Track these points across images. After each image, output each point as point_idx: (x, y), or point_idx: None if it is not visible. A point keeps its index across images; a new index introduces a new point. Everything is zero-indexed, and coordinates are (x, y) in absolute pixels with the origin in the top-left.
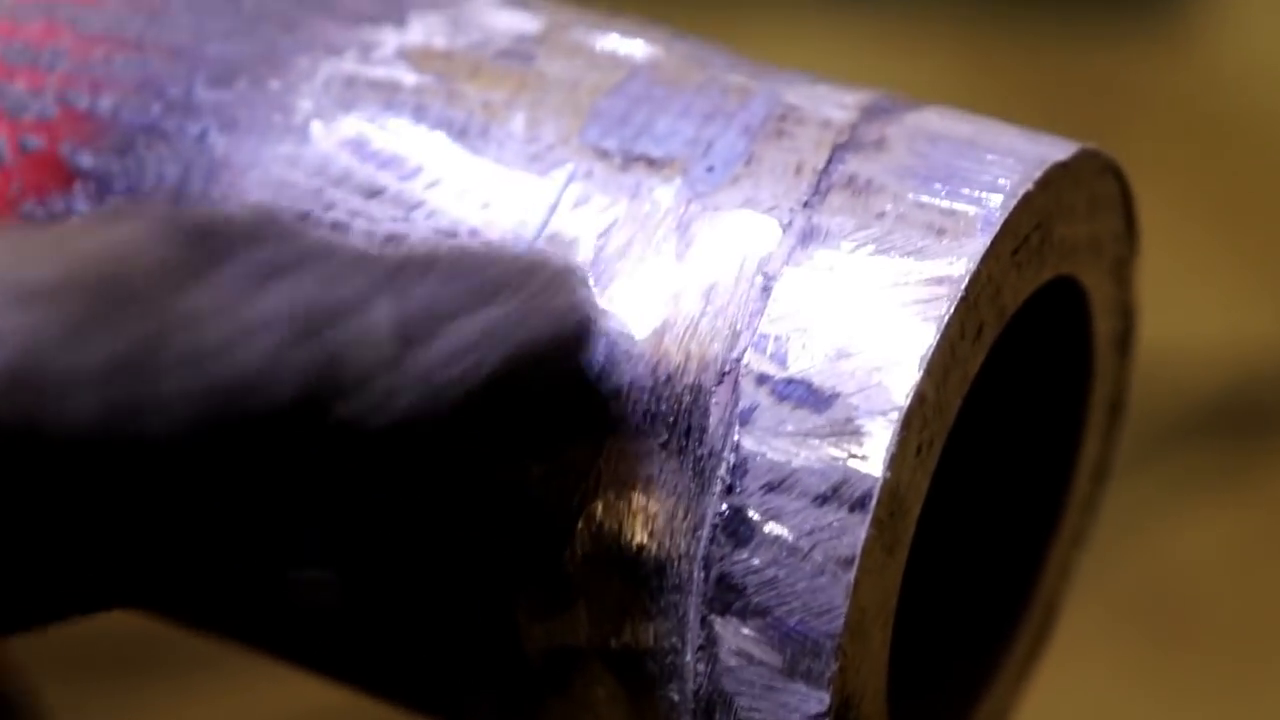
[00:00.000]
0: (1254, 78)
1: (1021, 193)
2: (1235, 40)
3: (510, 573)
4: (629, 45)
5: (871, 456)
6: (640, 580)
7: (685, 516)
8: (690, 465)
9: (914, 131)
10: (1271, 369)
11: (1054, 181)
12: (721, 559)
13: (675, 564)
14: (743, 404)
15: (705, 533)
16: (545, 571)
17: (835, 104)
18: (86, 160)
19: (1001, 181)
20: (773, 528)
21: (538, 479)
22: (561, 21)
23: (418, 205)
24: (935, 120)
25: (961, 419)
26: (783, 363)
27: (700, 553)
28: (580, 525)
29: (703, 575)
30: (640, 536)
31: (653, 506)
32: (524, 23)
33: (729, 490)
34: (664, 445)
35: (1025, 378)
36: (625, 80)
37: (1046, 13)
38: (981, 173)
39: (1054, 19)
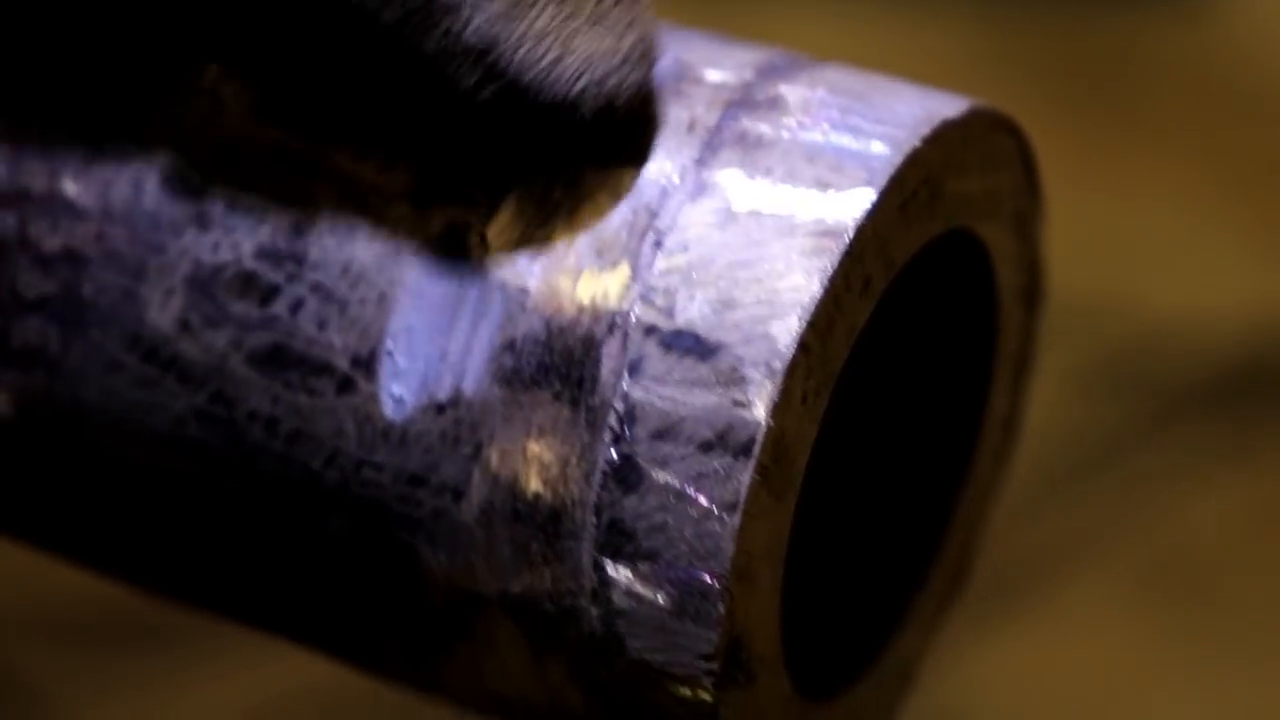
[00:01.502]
0: (1271, 45)
1: (908, 148)
2: (1252, 8)
3: (411, 521)
4: None
5: (755, 404)
6: (536, 526)
7: (578, 464)
8: (582, 414)
9: (807, 89)
10: None
11: (943, 137)
12: (612, 505)
13: (569, 510)
14: (631, 354)
15: (597, 479)
16: (445, 519)
17: (733, 63)
18: None
19: (889, 137)
20: (660, 474)
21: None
22: None
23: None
24: (831, 78)
25: (870, 368)
26: (670, 314)
27: (592, 499)
28: (477, 474)
29: (595, 521)
30: (535, 484)
31: (547, 455)
32: None
33: (618, 439)
34: (557, 395)
35: (935, 328)
36: None
37: None
38: (871, 129)
39: None
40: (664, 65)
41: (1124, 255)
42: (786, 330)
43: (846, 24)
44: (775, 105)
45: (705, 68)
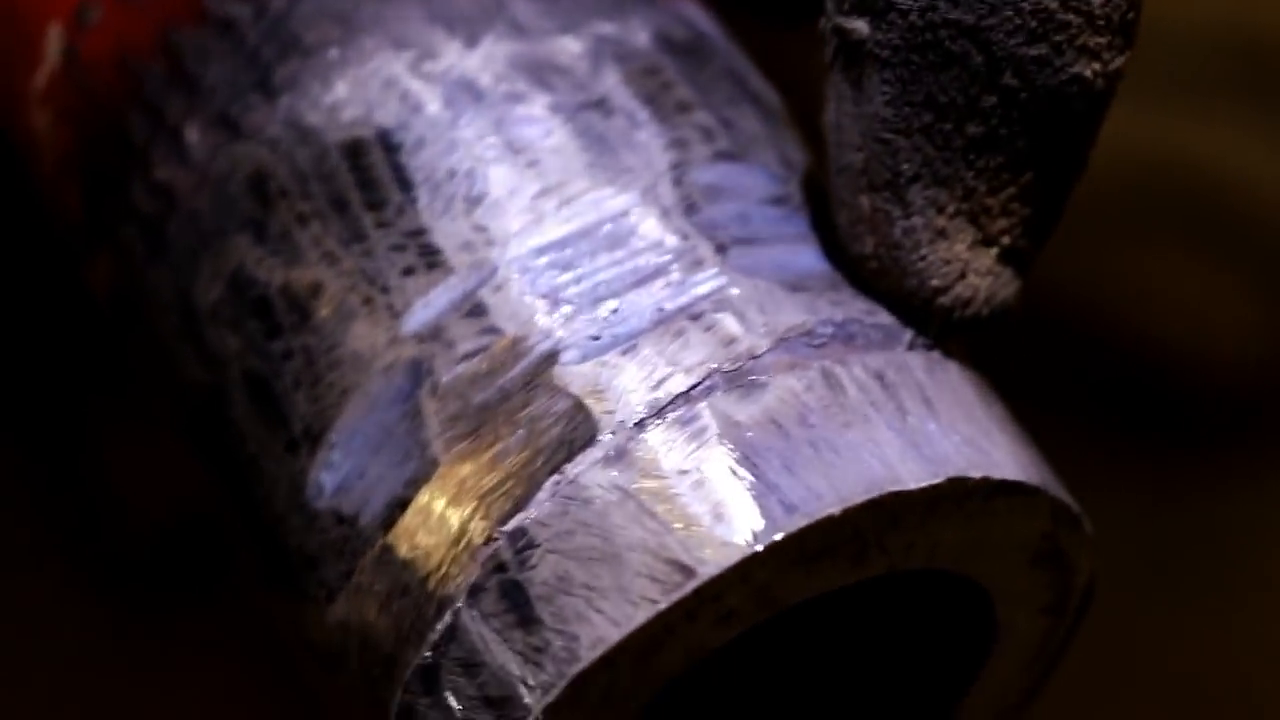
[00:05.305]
0: None
1: (820, 514)
2: None
3: (303, 594)
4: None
5: (533, 699)
6: (377, 661)
7: (410, 639)
8: (425, 607)
9: (804, 387)
10: None
11: (883, 504)
12: (411, 700)
13: (397, 667)
14: (477, 579)
15: (410, 669)
16: (319, 612)
17: (764, 323)
18: (176, 37)
19: (811, 494)
20: (450, 700)
21: None
22: (612, 104)
23: (337, 254)
24: (851, 375)
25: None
26: (521, 564)
27: (406, 678)
28: (343, 595)
29: (402, 691)
30: (380, 628)
31: (387, 621)
32: (576, 93)
33: (436, 646)
34: (412, 581)
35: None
36: (610, 206)
37: None
38: (802, 478)
39: None
40: (701, 286)
41: None
42: (592, 643)
43: None
44: (748, 397)
45: (729, 315)
